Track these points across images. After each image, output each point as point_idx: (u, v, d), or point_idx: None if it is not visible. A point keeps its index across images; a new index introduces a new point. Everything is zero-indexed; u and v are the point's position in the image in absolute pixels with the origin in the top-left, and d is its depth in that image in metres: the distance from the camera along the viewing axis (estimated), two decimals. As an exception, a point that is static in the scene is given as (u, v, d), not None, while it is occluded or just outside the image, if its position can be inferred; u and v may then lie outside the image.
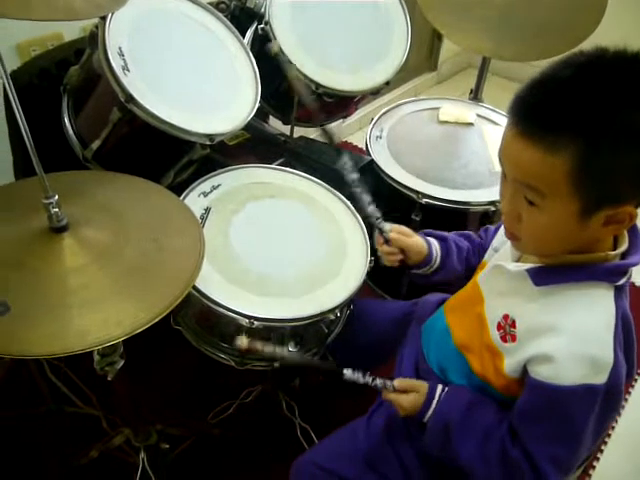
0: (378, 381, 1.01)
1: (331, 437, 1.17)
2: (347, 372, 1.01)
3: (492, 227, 1.18)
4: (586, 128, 0.70)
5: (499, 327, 0.90)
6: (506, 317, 0.89)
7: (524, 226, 0.81)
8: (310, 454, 1.15)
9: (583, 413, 0.81)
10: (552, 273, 0.85)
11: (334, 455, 1.11)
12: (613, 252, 0.83)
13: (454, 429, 0.93)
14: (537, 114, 0.73)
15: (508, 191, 0.81)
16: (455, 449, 0.93)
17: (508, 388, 0.91)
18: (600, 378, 0.79)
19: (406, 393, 0.99)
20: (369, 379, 1.01)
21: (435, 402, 0.96)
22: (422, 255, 1.14)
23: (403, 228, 1.16)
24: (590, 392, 0.79)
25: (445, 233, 1.19)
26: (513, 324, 0.88)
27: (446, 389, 0.97)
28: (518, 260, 0.94)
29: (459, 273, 1.15)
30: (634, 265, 0.83)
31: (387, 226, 1.14)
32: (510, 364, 0.88)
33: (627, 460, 1.65)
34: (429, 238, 1.17)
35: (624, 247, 0.84)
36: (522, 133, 0.74)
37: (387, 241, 1.13)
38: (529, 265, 0.87)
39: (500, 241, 1.05)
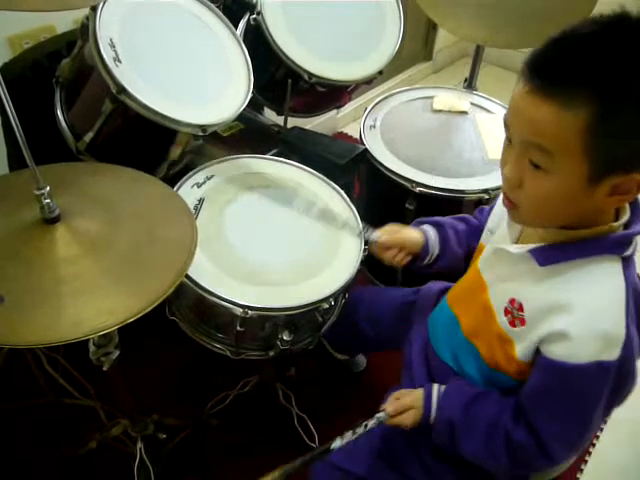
0: (371, 422, 0.98)
1: None
2: (336, 443, 0.96)
3: (487, 207, 1.17)
4: (607, 85, 0.68)
5: (506, 312, 0.89)
6: (512, 301, 0.88)
7: (526, 192, 0.79)
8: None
9: (596, 391, 0.81)
10: (556, 251, 0.83)
11: (351, 454, 1.09)
12: (616, 223, 0.81)
13: (457, 429, 0.93)
14: (556, 68, 0.70)
15: (512, 155, 0.79)
16: (461, 447, 0.93)
17: (520, 372, 0.90)
18: (612, 354, 0.78)
19: (405, 413, 0.99)
20: (361, 430, 0.97)
21: (435, 406, 0.96)
22: (419, 246, 1.13)
23: (391, 227, 1.15)
24: (603, 369, 0.78)
25: (440, 218, 1.17)
26: (520, 307, 0.87)
27: (442, 389, 0.97)
28: (517, 241, 0.92)
29: (461, 257, 1.14)
30: (639, 233, 0.81)
31: (375, 234, 1.15)
32: (522, 349, 0.87)
33: (624, 444, 1.65)
34: (424, 226, 1.17)
35: (626, 217, 0.82)
36: (538, 88, 0.71)
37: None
38: (531, 246, 0.85)
39: (495, 222, 1.04)
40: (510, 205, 0.84)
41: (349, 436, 0.97)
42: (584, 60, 0.68)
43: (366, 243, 1.18)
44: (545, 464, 0.88)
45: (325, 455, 0.98)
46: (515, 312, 0.87)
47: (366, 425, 0.98)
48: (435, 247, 1.13)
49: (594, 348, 0.78)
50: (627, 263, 0.81)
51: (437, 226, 1.16)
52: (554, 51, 0.72)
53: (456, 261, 1.15)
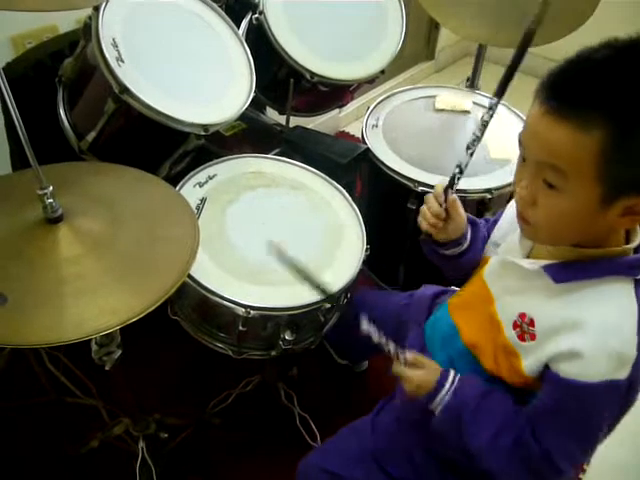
0: (392, 346, 0.94)
1: (336, 438, 1.16)
2: (364, 323, 0.95)
3: (491, 219, 1.15)
4: (621, 109, 0.68)
5: (515, 326, 0.89)
6: (523, 316, 0.88)
7: (539, 212, 0.80)
8: (316, 457, 1.14)
9: (604, 409, 0.81)
10: (571, 269, 0.83)
11: (341, 457, 1.10)
12: (629, 246, 0.82)
13: (467, 417, 0.90)
14: (572, 91, 0.71)
15: (527, 174, 0.80)
16: (466, 438, 0.90)
17: (526, 385, 0.90)
18: (623, 373, 0.78)
19: (417, 368, 0.95)
20: (383, 339, 0.94)
21: (448, 386, 0.92)
22: (459, 233, 1.07)
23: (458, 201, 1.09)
24: (614, 387, 0.78)
25: (475, 218, 1.13)
26: (532, 323, 0.86)
27: (459, 375, 0.95)
28: (528, 256, 0.92)
29: (476, 263, 1.10)
30: None
31: (453, 195, 1.06)
32: (529, 364, 0.87)
33: (626, 444, 1.65)
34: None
35: (638, 240, 0.83)
36: (553, 110, 0.72)
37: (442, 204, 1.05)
38: (545, 262, 0.85)
39: (499, 236, 1.04)
40: (524, 222, 0.85)
41: (374, 331, 0.95)
42: (600, 84, 0.69)
43: (452, 185, 1.05)
44: (550, 476, 0.87)
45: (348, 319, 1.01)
46: (525, 327, 0.87)
47: (387, 341, 0.95)
48: (466, 243, 1.09)
49: (606, 367, 0.78)
50: (639, 285, 0.82)
51: (472, 224, 1.11)
52: (571, 74, 0.72)
53: (472, 263, 1.10)
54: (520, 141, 0.80)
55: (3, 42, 1.42)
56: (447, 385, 0.92)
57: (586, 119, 0.70)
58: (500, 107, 1.79)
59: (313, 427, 1.51)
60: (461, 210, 1.07)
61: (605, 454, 1.60)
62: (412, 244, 1.54)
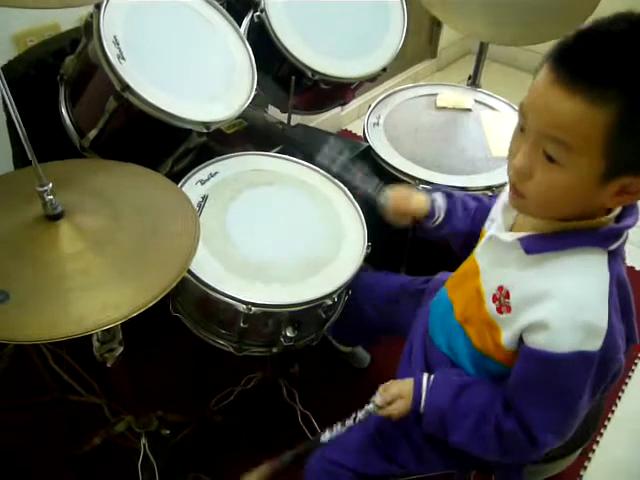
0: (360, 414, 1.02)
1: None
2: (325, 436, 1.03)
3: (491, 197, 1.20)
4: (637, 85, 0.67)
5: (494, 299, 0.90)
6: (500, 288, 0.89)
7: (535, 184, 0.77)
8: (320, 449, 1.14)
9: (578, 380, 0.81)
10: (544, 240, 0.83)
11: (345, 447, 1.10)
12: (606, 217, 0.81)
13: (447, 418, 0.93)
14: (586, 64, 0.68)
15: (525, 145, 0.77)
16: (450, 436, 0.94)
17: (508, 360, 0.91)
18: (595, 344, 0.78)
19: (394, 403, 1.00)
20: (350, 422, 1.02)
21: (424, 396, 0.96)
22: (424, 212, 1.14)
23: (402, 192, 1.16)
24: (585, 359, 0.79)
25: (453, 191, 1.18)
26: (507, 295, 0.87)
27: (432, 379, 0.97)
28: (511, 229, 0.92)
29: (462, 232, 1.13)
30: (628, 227, 0.81)
31: (384, 198, 1.16)
32: (507, 336, 0.88)
33: (627, 441, 1.65)
34: (434, 194, 1.17)
35: (617, 211, 0.82)
36: (565, 81, 0.69)
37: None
38: (522, 234, 0.85)
39: (496, 211, 1.03)
40: (516, 195, 0.83)
41: (338, 428, 1.01)
42: (617, 59, 0.67)
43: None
44: (535, 454, 0.89)
45: (314, 448, 1.04)
46: (502, 299, 0.88)
47: (355, 417, 1.01)
48: (440, 215, 1.14)
49: (575, 338, 0.78)
50: (613, 256, 0.81)
51: (448, 196, 1.16)
52: (586, 46, 0.70)
53: (455, 235, 1.15)
54: (521, 110, 0.78)
55: (5, 40, 1.42)
56: (423, 397, 0.97)
57: (600, 93, 0.68)
58: (502, 105, 1.81)
59: (315, 424, 1.51)
60: (408, 204, 1.14)
61: (607, 452, 1.62)
62: (413, 242, 1.54)
